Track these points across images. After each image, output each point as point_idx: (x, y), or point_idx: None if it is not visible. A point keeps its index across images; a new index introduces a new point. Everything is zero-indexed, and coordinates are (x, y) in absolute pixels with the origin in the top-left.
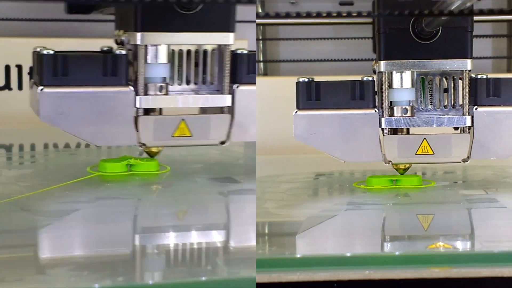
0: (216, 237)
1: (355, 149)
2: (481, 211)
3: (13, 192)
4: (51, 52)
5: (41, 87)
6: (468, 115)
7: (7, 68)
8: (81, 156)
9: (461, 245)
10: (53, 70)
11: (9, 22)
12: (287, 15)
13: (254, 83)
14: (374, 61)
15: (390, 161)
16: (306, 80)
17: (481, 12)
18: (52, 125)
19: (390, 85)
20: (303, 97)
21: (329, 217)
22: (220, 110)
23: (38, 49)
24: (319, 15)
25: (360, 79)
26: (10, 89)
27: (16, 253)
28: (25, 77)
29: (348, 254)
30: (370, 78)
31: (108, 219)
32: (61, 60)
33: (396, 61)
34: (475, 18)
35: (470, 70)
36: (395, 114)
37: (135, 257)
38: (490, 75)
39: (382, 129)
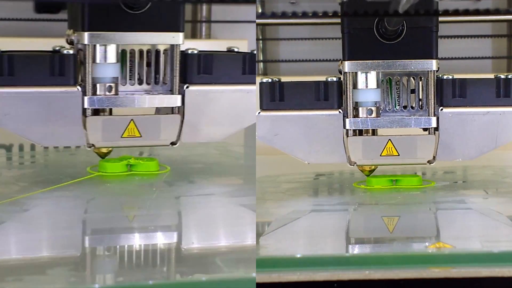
0: (216, 237)
1: (319, 150)
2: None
3: (13, 192)
4: None
5: None
6: (434, 116)
7: None
8: (81, 156)
9: (461, 245)
10: None
11: None
12: (287, 15)
13: (205, 83)
14: (340, 61)
15: (355, 162)
16: (270, 80)
17: (477, 12)
18: None
19: (355, 86)
20: (266, 97)
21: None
22: (171, 110)
23: None
24: (318, 15)
25: (325, 79)
26: None
27: (16, 253)
28: None
29: (348, 254)
30: (334, 79)
31: (108, 219)
32: (7, 60)
33: (361, 61)
34: (475, 18)
35: (436, 71)
36: (360, 115)
37: (132, 257)
38: (457, 76)
39: (347, 130)
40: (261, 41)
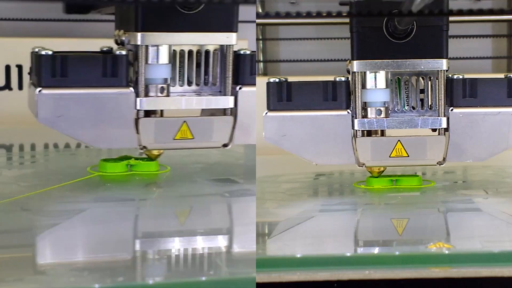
0: (216, 237)
1: (327, 151)
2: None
3: (13, 192)
4: (50, 52)
5: (39, 88)
6: (444, 116)
7: (8, 68)
8: (81, 156)
9: (461, 245)
10: (51, 71)
11: (9, 22)
12: (287, 15)
13: (255, 84)
14: (348, 61)
15: (364, 164)
16: (277, 80)
17: (481, 12)
18: (51, 127)
19: (364, 86)
20: (273, 97)
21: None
22: (223, 112)
23: (36, 49)
24: (319, 15)
25: (333, 79)
26: (10, 89)
27: (16, 253)
28: (25, 77)
29: (348, 254)
30: (343, 79)
31: (108, 219)
32: (60, 61)
33: (370, 61)
34: (475, 18)
35: (446, 70)
36: (369, 116)
37: (136, 259)
38: (467, 76)
39: (355, 131)
40: (261, 41)
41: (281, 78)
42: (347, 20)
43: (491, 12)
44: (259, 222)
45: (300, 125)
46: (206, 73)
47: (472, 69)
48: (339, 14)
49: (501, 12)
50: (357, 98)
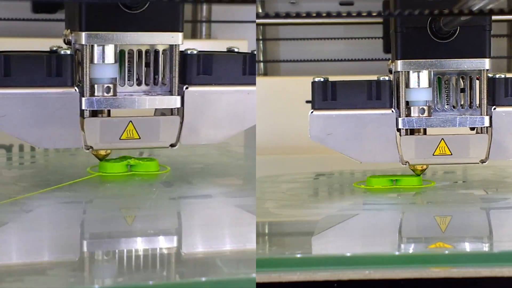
0: (216, 237)
1: (372, 149)
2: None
3: (13, 192)
4: None
5: None
6: (486, 115)
7: None
8: (81, 157)
9: (461, 245)
10: None
11: None
12: (287, 15)
13: (205, 84)
14: (390, 60)
15: (407, 162)
16: (322, 79)
17: (492, 12)
18: None
19: (407, 85)
20: (318, 97)
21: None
22: (170, 111)
23: None
24: (319, 15)
25: (376, 78)
26: None
27: (16, 253)
28: None
29: (348, 254)
30: (386, 78)
31: (107, 220)
32: (3, 60)
33: (413, 60)
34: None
35: (488, 70)
36: (412, 114)
37: (132, 259)
38: (509, 75)
39: (399, 129)
40: (261, 41)
41: (325, 78)
42: (347, 20)
43: (490, 12)
44: (259, 222)
45: (345, 124)
46: (156, 72)
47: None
48: (339, 15)
49: (500, 12)
50: (401, 97)
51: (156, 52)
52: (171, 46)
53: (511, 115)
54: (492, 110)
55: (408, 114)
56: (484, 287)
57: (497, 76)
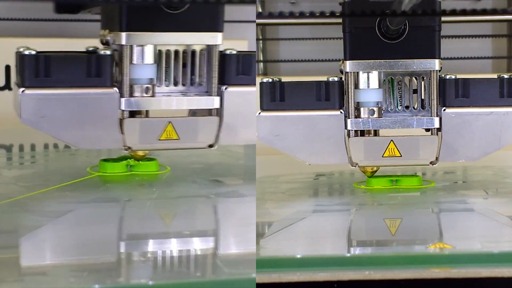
0: (216, 237)
1: (321, 151)
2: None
3: (13, 192)
4: (33, 52)
5: (22, 89)
6: (437, 116)
7: (7, 68)
8: (81, 157)
9: (461, 245)
10: (35, 71)
11: (9, 22)
12: (287, 15)
13: (244, 84)
14: (341, 61)
15: (357, 163)
16: (270, 80)
17: (478, 12)
18: (34, 128)
19: (357, 86)
20: (267, 97)
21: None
22: (209, 112)
23: (20, 49)
24: (319, 15)
25: (326, 79)
26: (10, 89)
27: (16, 254)
28: None
29: (348, 255)
30: (336, 79)
31: (107, 220)
32: (43, 61)
33: (362, 61)
34: (476, 18)
35: (439, 71)
36: (362, 116)
37: (134, 260)
38: (459, 76)
39: (348, 131)
40: (261, 41)
41: (275, 78)
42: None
43: (488, 12)
44: (259, 222)
45: (294, 125)
46: (193, 73)
47: (472, 69)
48: (341, 14)
49: (496, 11)
50: (350, 98)
51: (193, 53)
52: (209, 46)
53: (460, 116)
54: (442, 111)
55: (358, 115)
56: None
57: (448, 77)
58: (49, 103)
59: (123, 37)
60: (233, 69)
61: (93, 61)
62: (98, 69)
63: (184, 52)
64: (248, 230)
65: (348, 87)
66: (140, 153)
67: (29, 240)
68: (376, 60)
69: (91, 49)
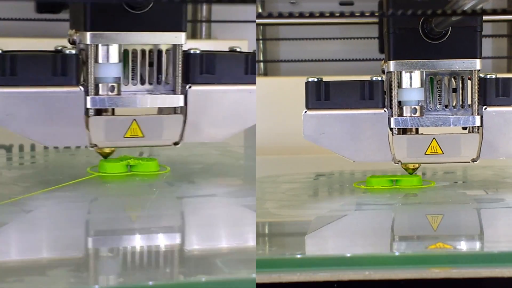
0: (216, 237)
1: (365, 149)
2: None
3: (14, 192)
4: None
5: None
6: (478, 115)
7: None
8: (81, 157)
9: (461, 245)
10: (1, 70)
11: None
12: (287, 15)
13: (207, 83)
14: (383, 61)
15: (400, 161)
16: (316, 80)
17: (484, 12)
18: (1, 126)
19: (399, 85)
20: (312, 96)
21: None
22: (174, 110)
23: None
24: (319, 15)
25: (370, 79)
26: None
27: (16, 254)
28: None
29: (348, 255)
30: (379, 78)
31: (107, 220)
32: (9, 60)
33: (405, 61)
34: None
35: (479, 70)
36: (404, 114)
37: (134, 259)
38: (500, 75)
39: (391, 129)
40: (261, 41)
41: (318, 78)
42: (347, 20)
43: (485, 12)
44: (259, 223)
45: (338, 123)
46: (160, 72)
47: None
48: (341, 14)
49: (496, 11)
50: (393, 97)
51: (160, 52)
52: (174, 46)
53: (501, 115)
54: (483, 110)
55: (401, 114)
56: (484, 287)
57: (488, 76)
58: (15, 102)
59: (88, 36)
60: (197, 68)
61: (59, 60)
62: (64, 68)
63: (151, 51)
64: (248, 230)
65: (391, 86)
66: (107, 150)
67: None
68: (419, 60)
69: (59, 48)
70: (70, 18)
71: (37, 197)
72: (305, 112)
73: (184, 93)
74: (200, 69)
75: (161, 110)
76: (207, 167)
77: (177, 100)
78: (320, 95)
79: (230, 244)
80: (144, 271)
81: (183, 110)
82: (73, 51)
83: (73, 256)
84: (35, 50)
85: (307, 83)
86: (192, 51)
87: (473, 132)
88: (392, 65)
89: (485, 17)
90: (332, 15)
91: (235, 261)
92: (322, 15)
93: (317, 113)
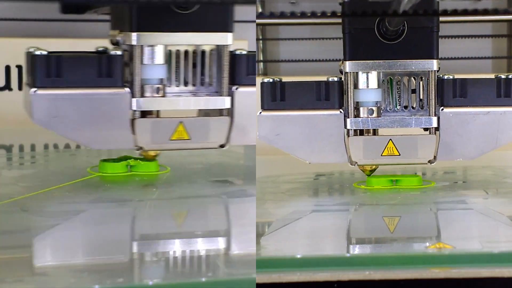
0: (216, 238)
1: (320, 150)
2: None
3: (14, 192)
4: (44, 52)
5: (34, 89)
6: (435, 116)
7: (7, 68)
8: (81, 157)
9: (461, 246)
10: (46, 71)
11: (8, 22)
12: (288, 15)
13: (253, 84)
14: (341, 61)
15: (356, 162)
16: (271, 80)
17: (477, 12)
18: (46, 128)
19: (356, 86)
20: (267, 97)
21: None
22: (219, 112)
23: (31, 50)
24: (319, 15)
25: (326, 79)
26: (10, 89)
27: (16, 254)
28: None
29: (348, 255)
30: (335, 79)
31: (106, 220)
32: (55, 61)
33: (362, 61)
34: (475, 18)
35: (437, 71)
36: (361, 115)
37: (134, 261)
38: (457, 76)
39: (348, 130)
40: (261, 41)
41: (275, 78)
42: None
43: (487, 12)
44: (259, 223)
45: (294, 124)
46: (203, 73)
47: (472, 69)
48: (341, 14)
49: (496, 11)
50: (349, 98)
51: (203, 53)
52: (219, 47)
53: (458, 116)
54: (440, 110)
55: (357, 115)
56: (484, 287)
57: (446, 77)
58: (60, 103)
59: (133, 37)
60: (243, 69)
61: (104, 62)
62: (109, 69)
63: (194, 52)
64: (248, 230)
65: (347, 87)
66: (152, 153)
67: (28, 240)
68: (375, 61)
69: (101, 49)
70: (112, 18)
71: (36, 197)
72: (260, 113)
73: (231, 95)
74: (247, 70)
75: (205, 113)
76: (207, 167)
77: (224, 102)
78: (276, 96)
79: (230, 244)
80: (142, 272)
81: (230, 112)
82: (118, 52)
83: None
84: (79, 51)
85: (262, 83)
86: (238, 52)
87: (430, 133)
88: (348, 65)
89: (485, 17)
90: (333, 14)
91: (235, 261)
92: (323, 14)
93: (272, 114)
